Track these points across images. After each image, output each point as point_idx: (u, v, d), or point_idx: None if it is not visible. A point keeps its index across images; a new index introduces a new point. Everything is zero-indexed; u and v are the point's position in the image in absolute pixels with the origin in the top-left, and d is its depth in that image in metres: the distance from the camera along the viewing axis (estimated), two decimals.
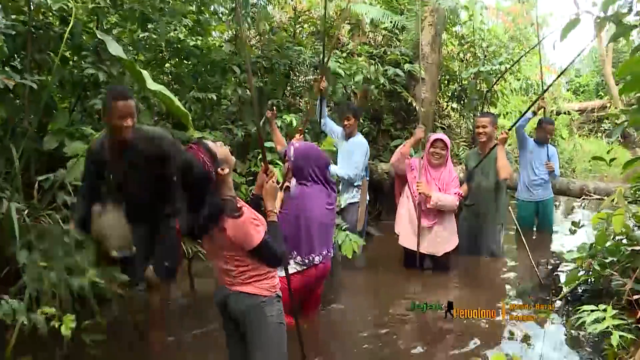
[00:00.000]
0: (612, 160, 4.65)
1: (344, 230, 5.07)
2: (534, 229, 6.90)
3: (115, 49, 4.43)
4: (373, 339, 3.97)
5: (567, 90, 20.55)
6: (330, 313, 4.40)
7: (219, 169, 2.53)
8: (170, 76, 7.12)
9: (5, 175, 4.27)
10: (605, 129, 17.71)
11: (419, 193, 5.11)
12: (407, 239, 5.30)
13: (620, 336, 2.92)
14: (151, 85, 4.49)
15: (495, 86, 8.38)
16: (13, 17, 4.79)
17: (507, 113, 10.09)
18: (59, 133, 4.74)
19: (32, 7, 4.58)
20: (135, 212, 3.50)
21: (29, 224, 3.79)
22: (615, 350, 3.04)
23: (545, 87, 7.23)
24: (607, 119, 17.79)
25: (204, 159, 2.48)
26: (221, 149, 2.62)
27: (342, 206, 5.69)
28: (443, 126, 8.54)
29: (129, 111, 3.30)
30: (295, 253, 3.78)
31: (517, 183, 7.04)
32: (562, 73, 7.04)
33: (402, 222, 5.36)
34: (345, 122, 5.71)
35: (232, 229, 2.53)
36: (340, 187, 5.67)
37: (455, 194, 5.20)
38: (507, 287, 5.14)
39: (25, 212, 3.96)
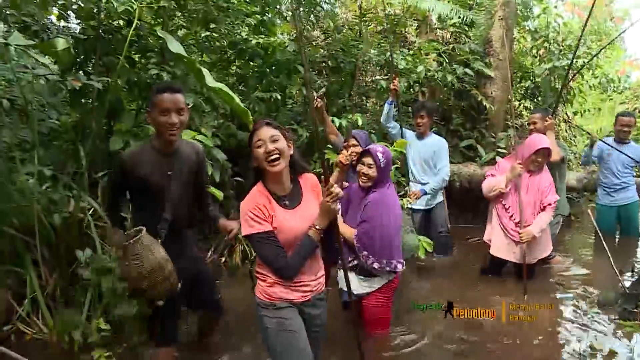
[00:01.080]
0: None
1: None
2: (617, 235, 6.44)
3: (176, 47, 4.41)
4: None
5: None
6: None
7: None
8: (235, 77, 7.11)
9: (73, 175, 4.33)
10: None
11: (523, 242, 4.79)
12: (500, 249, 5.01)
13: None
14: (211, 82, 4.45)
15: (571, 82, 7.88)
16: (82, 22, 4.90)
17: (584, 111, 9.48)
18: (124, 134, 4.78)
19: (101, 11, 4.64)
20: (178, 235, 3.08)
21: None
22: None
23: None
24: None
25: None
26: None
27: (431, 206, 5.75)
28: (516, 126, 8.08)
29: (176, 106, 2.90)
30: (381, 262, 3.62)
31: (596, 186, 6.60)
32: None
33: (496, 232, 5.07)
34: (419, 121, 5.50)
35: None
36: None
37: (549, 205, 4.84)
38: (586, 297, 4.75)
39: (90, 211, 4.00)
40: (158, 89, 2.91)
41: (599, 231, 5.19)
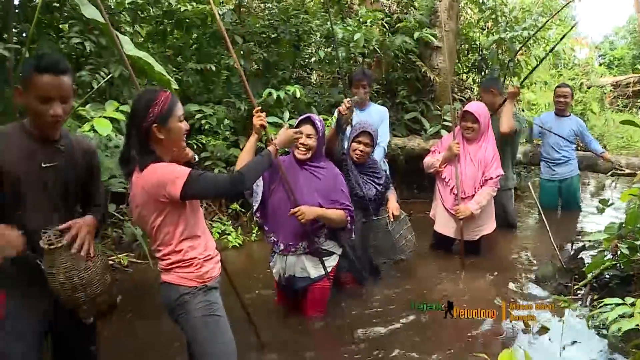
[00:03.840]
0: None
1: None
2: (559, 209, 6.40)
3: (90, 11, 4.06)
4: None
5: (600, 64, 19.56)
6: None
7: None
8: (172, 50, 6.74)
9: None
10: None
11: (460, 218, 4.64)
12: (443, 226, 4.86)
13: None
14: (130, 50, 4.13)
15: (518, 55, 7.77)
16: None
17: (531, 84, 9.43)
18: None
19: None
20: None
21: None
22: None
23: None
24: None
25: None
26: None
27: None
28: (462, 99, 7.96)
29: (61, 93, 2.07)
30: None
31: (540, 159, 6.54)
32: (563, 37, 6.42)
33: (439, 208, 4.91)
34: (360, 90, 5.13)
35: (144, 177, 2.21)
36: None
37: (491, 179, 4.67)
38: (523, 272, 4.65)
39: None
40: (37, 67, 2.03)
41: (539, 206, 5.11)
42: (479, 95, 5.81)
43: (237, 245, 5.35)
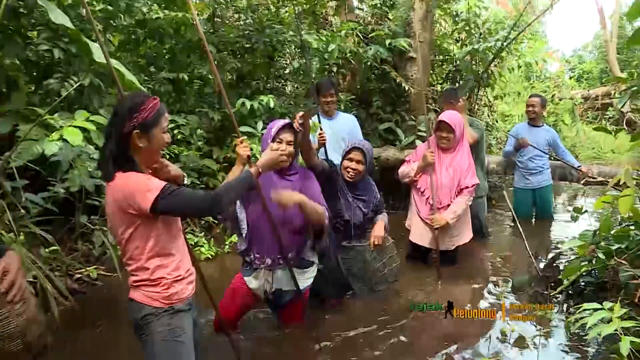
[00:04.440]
0: (617, 132, 4.13)
1: None
2: (533, 218, 6.43)
3: (59, 17, 3.95)
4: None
5: (570, 77, 19.93)
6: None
7: None
8: (145, 59, 6.63)
9: None
10: (609, 117, 17.16)
11: (435, 228, 4.60)
12: (419, 236, 4.79)
13: (632, 342, 2.35)
14: (99, 57, 4.03)
15: (491, 66, 7.85)
16: None
17: (504, 95, 9.53)
18: (13, 115, 4.29)
19: None
20: None
21: None
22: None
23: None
24: (612, 106, 17.28)
25: None
26: None
27: None
28: (437, 109, 7.98)
29: None
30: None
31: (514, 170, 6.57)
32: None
33: (414, 218, 4.85)
34: (329, 99, 5.05)
35: (115, 185, 2.09)
36: None
37: (467, 188, 4.64)
38: (500, 281, 4.63)
39: None
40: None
41: (514, 214, 5.13)
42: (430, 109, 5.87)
43: (210, 256, 5.24)
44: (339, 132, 5.08)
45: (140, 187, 2.04)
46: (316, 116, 4.70)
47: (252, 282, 3.30)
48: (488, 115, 9.87)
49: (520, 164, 6.30)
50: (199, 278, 2.68)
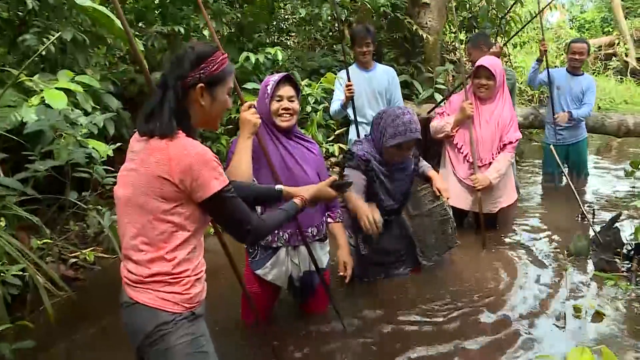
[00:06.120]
0: None
1: None
2: (562, 176, 5.81)
3: None
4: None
5: (571, 28, 19.23)
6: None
7: None
8: (133, 14, 5.93)
9: None
10: (614, 67, 16.60)
11: (478, 189, 4.04)
12: (457, 198, 4.16)
13: None
14: (84, 2, 3.38)
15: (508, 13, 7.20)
16: None
17: (524, 43, 8.89)
18: None
19: None
20: None
21: None
22: None
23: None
24: (615, 55, 16.71)
25: None
26: None
27: None
28: (453, 60, 7.39)
29: None
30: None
31: (543, 123, 5.98)
32: None
33: (450, 178, 4.26)
34: (364, 49, 4.47)
35: (169, 149, 1.59)
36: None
37: (510, 143, 4.10)
38: (552, 247, 4.11)
39: None
40: None
41: (562, 169, 4.63)
42: (466, 54, 5.27)
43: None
44: (375, 86, 4.52)
45: (210, 165, 1.61)
46: (345, 70, 4.20)
47: (270, 273, 2.71)
48: (509, 66, 9.22)
49: (551, 117, 5.61)
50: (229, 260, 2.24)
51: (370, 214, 2.88)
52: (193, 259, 1.69)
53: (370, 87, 4.50)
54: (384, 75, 4.57)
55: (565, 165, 5.70)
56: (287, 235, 2.67)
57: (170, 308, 1.64)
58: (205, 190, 1.60)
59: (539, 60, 5.56)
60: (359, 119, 4.34)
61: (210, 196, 1.61)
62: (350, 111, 4.33)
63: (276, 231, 2.62)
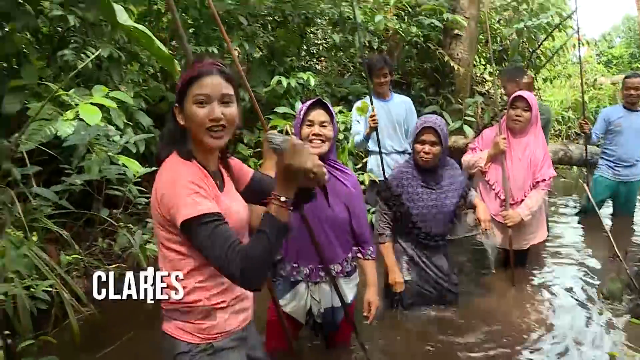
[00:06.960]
0: None
1: None
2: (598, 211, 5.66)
3: None
4: None
5: (598, 63, 19.10)
6: None
7: None
8: (167, 32, 6.01)
9: None
10: None
11: (509, 226, 3.97)
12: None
13: None
14: (125, 21, 3.41)
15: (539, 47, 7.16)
16: None
17: (554, 78, 8.82)
18: (21, 92, 3.70)
19: None
20: None
21: None
22: None
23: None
24: None
25: None
26: None
27: None
28: (482, 92, 7.34)
29: None
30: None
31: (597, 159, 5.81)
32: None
33: None
34: (382, 80, 4.53)
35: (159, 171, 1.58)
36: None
37: (543, 180, 4.00)
38: (584, 289, 3.99)
39: None
40: None
41: (596, 208, 4.53)
42: (499, 87, 5.24)
43: None
44: (394, 116, 4.56)
45: (179, 193, 1.48)
46: (368, 97, 4.14)
47: (289, 305, 2.59)
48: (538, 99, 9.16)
49: (610, 152, 5.51)
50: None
51: (398, 279, 3.28)
52: (211, 287, 1.60)
53: (389, 118, 4.55)
54: (402, 105, 4.63)
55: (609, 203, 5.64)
56: (307, 270, 2.55)
57: (185, 338, 1.61)
58: (176, 219, 1.47)
59: (588, 137, 5.48)
60: (377, 150, 4.29)
61: (180, 226, 1.47)
62: (371, 142, 4.33)
63: (296, 264, 2.54)
